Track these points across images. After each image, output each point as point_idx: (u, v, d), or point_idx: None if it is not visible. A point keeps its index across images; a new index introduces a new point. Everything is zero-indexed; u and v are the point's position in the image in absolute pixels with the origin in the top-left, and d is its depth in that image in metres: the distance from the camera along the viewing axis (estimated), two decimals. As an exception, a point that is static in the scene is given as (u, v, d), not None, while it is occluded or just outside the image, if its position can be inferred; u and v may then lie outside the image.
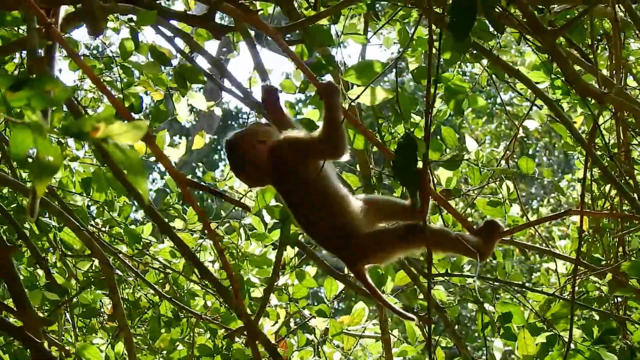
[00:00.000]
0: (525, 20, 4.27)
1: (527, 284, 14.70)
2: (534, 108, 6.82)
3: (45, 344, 4.88)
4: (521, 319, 5.43)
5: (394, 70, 4.88)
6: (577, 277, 5.31)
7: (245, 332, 5.07)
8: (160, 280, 6.96)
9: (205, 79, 5.46)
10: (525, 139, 18.52)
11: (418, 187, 3.81)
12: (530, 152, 20.97)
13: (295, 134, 4.39)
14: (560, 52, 4.33)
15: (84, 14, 4.50)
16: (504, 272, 5.81)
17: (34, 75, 5.39)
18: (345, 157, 4.30)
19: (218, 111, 7.42)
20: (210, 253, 6.97)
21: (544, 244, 8.28)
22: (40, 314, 6.50)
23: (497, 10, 4.77)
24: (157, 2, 4.82)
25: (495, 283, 5.98)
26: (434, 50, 3.88)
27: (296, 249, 6.29)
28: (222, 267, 5.97)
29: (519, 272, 6.19)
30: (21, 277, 5.83)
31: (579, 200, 11.81)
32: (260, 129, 4.48)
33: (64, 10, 5.22)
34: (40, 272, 6.14)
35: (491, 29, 5.23)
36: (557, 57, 4.19)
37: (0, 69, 5.89)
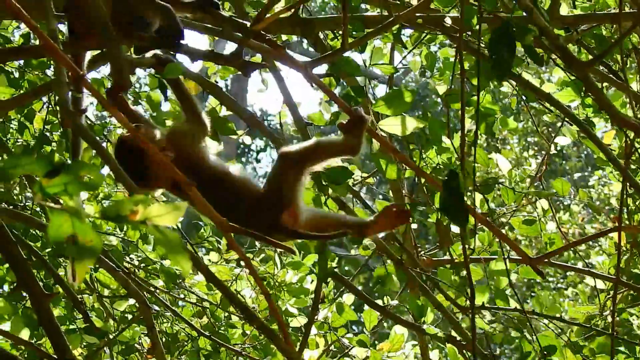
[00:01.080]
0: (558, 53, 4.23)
1: (562, 283, 14.72)
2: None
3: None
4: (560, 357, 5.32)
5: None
6: (617, 294, 5.25)
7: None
8: (198, 311, 6.95)
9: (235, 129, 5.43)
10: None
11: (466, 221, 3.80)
12: (559, 147, 20.87)
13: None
14: (594, 82, 4.28)
15: (111, 70, 4.47)
16: (539, 303, 5.74)
17: (68, 129, 5.40)
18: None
19: (247, 139, 7.49)
20: (247, 284, 6.94)
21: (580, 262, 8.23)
22: (80, 349, 6.53)
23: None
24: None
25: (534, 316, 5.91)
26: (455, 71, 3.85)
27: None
28: (270, 312, 5.93)
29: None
30: (57, 313, 5.84)
31: (608, 197, 11.73)
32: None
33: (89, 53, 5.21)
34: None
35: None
36: (591, 87, 4.14)
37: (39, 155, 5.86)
